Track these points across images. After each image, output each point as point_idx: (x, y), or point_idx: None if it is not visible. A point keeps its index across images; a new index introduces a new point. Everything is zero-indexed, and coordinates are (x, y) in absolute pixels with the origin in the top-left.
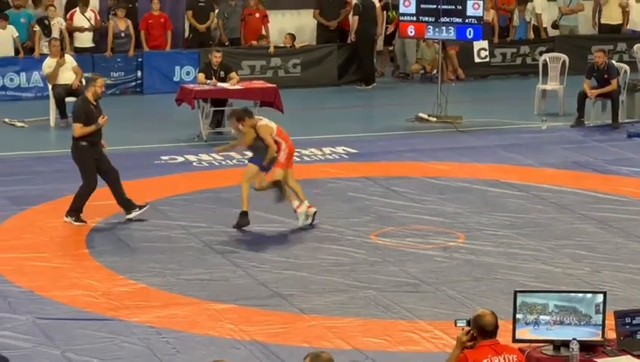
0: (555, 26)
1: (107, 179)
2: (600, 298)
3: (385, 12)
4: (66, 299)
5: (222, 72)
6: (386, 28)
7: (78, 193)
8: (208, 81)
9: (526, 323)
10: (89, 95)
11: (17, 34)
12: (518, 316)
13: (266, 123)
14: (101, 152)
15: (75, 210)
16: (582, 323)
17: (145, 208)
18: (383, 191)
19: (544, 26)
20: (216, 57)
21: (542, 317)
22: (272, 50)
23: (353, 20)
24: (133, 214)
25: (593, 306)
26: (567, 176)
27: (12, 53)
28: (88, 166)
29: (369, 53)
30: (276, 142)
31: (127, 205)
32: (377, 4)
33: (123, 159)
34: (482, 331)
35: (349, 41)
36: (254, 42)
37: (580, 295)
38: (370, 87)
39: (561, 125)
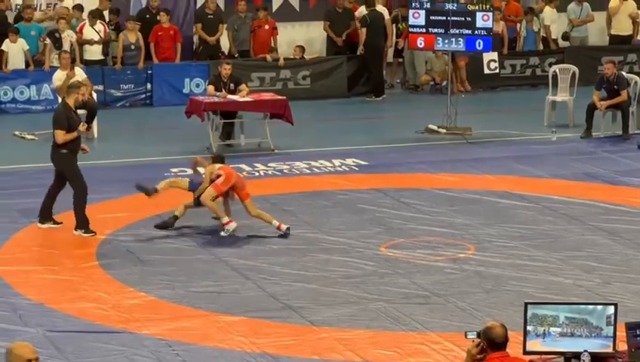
0: (565, 37)
1: (56, 184)
2: (611, 309)
3: (395, 24)
4: (76, 311)
5: (232, 84)
6: (397, 42)
7: (77, 204)
8: (218, 93)
9: (537, 335)
10: (70, 101)
11: (28, 47)
12: (529, 328)
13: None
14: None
15: (82, 222)
16: (593, 334)
17: (59, 225)
18: (393, 203)
19: (553, 37)
20: (225, 69)
21: (552, 328)
22: (281, 62)
23: (361, 32)
24: (45, 226)
25: (604, 318)
26: (577, 188)
27: (23, 66)
28: (75, 171)
29: (378, 64)
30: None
31: (46, 215)
32: (387, 17)
33: (133, 171)
34: (492, 343)
35: (358, 53)
36: (268, 56)
37: (591, 307)
38: (380, 98)
39: (571, 136)
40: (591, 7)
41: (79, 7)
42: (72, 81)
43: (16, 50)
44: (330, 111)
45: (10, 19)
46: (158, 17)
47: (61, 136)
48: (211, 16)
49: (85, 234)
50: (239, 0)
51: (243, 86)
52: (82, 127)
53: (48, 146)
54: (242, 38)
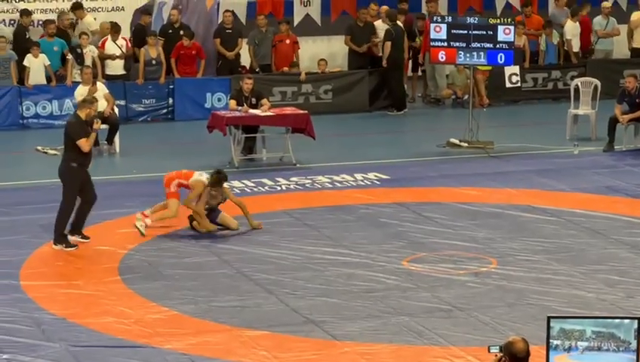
0: (590, 50)
1: (83, 198)
2: (637, 324)
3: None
4: (98, 326)
5: (253, 99)
6: (410, 53)
7: (59, 217)
8: (239, 108)
9: (563, 349)
10: (82, 114)
11: (49, 62)
12: (556, 342)
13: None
14: (88, 174)
15: (61, 235)
16: (620, 349)
17: (87, 240)
18: (415, 217)
19: (574, 50)
20: (247, 84)
21: (579, 343)
22: (303, 77)
23: (386, 46)
24: (58, 247)
25: (632, 332)
26: (599, 201)
27: (44, 81)
28: (74, 187)
29: (399, 78)
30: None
31: (77, 229)
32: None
33: (155, 186)
34: (514, 358)
35: (383, 65)
36: (285, 68)
37: (617, 320)
38: (402, 112)
39: (594, 150)
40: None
41: (115, 26)
42: (87, 97)
43: (37, 66)
44: (352, 126)
45: (34, 36)
46: (181, 32)
47: (85, 143)
48: (229, 31)
49: (67, 249)
50: (259, 14)
51: (265, 101)
52: (97, 124)
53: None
54: (263, 53)
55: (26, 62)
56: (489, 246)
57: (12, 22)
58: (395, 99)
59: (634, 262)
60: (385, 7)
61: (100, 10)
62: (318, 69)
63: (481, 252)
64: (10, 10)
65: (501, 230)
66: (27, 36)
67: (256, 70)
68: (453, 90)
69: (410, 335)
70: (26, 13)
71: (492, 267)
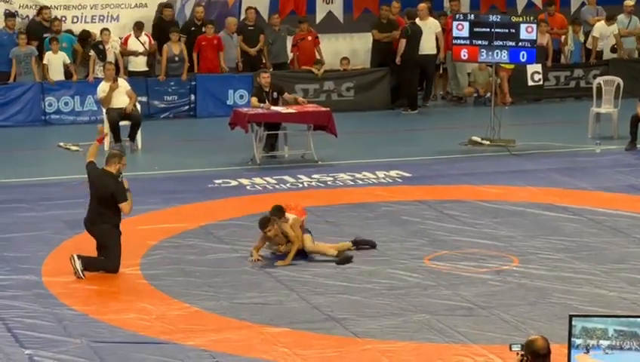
0: (613, 49)
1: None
2: None
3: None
4: (120, 322)
5: (274, 93)
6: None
7: (98, 265)
8: (262, 105)
9: (585, 348)
10: (112, 170)
11: (69, 60)
12: (578, 341)
13: (294, 217)
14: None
15: (87, 265)
16: None
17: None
18: (437, 215)
19: (598, 49)
20: (264, 78)
21: (602, 342)
22: (319, 72)
23: (400, 43)
24: (78, 262)
25: None
26: (621, 200)
27: (62, 77)
28: (118, 250)
29: (412, 77)
30: None
31: (89, 264)
32: (438, 29)
33: (176, 183)
34: (536, 355)
35: (397, 62)
36: (314, 69)
37: None
38: (416, 111)
39: (616, 148)
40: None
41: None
42: (113, 152)
43: (57, 61)
44: (374, 123)
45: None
46: (204, 29)
47: (129, 207)
48: (251, 28)
49: (78, 268)
50: (273, 14)
51: (287, 95)
52: (126, 183)
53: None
54: (277, 52)
55: (45, 60)
56: (510, 245)
57: (27, 17)
58: (409, 98)
59: None
60: (423, 5)
61: (122, 6)
62: (341, 67)
63: (502, 250)
64: (29, 6)
65: (523, 228)
66: (44, 35)
67: (270, 69)
68: (475, 88)
69: (431, 333)
70: (43, 8)
71: (513, 265)
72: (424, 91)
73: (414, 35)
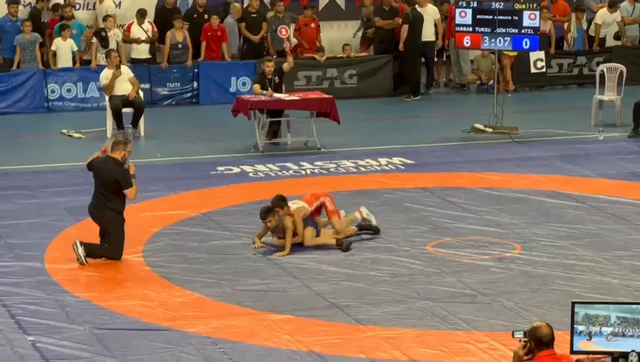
0: (617, 36)
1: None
2: None
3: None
4: (122, 309)
5: (276, 78)
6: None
7: (105, 252)
8: (264, 92)
9: (588, 335)
10: (117, 156)
11: (77, 48)
12: (581, 328)
13: (300, 205)
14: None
15: (90, 252)
16: None
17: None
18: (439, 202)
19: (601, 36)
20: (268, 66)
21: (604, 328)
22: (321, 58)
23: (403, 29)
24: (81, 248)
25: None
26: (624, 187)
27: (71, 65)
28: (122, 237)
29: (415, 64)
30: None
31: (92, 251)
32: (437, 16)
33: (179, 170)
34: (539, 342)
35: (400, 48)
36: (316, 56)
37: None
38: (418, 98)
39: (619, 136)
40: None
41: (142, 12)
42: (118, 139)
43: (66, 49)
44: (377, 110)
45: (46, 19)
46: (206, 16)
47: (134, 192)
48: (254, 15)
49: (80, 254)
50: (278, 2)
51: (284, 65)
52: (132, 169)
53: (96, 145)
54: (280, 38)
55: (53, 47)
56: (513, 232)
57: (29, 4)
58: (411, 84)
59: None
60: None
61: None
62: (343, 54)
63: (505, 237)
64: None
65: (525, 215)
66: (42, 20)
67: (273, 57)
68: (478, 76)
69: (434, 320)
70: None
71: (516, 252)
72: (426, 78)
73: (416, 21)
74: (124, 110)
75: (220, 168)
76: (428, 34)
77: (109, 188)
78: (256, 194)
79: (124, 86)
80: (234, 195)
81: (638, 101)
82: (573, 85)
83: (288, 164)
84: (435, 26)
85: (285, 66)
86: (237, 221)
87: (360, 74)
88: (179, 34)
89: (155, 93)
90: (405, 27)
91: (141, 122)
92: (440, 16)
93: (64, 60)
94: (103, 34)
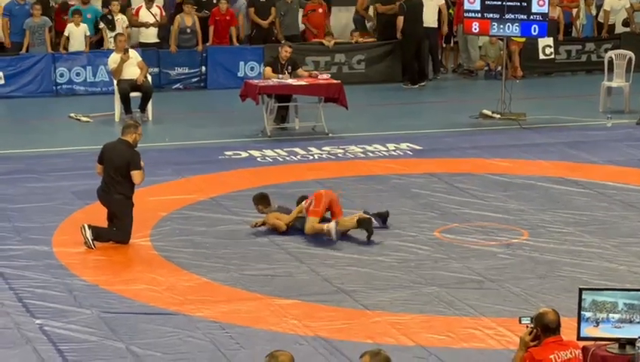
0: (625, 23)
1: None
2: None
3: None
4: (130, 293)
5: (289, 67)
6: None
7: (112, 235)
8: (280, 76)
9: (595, 321)
10: (129, 139)
11: (89, 33)
12: (588, 314)
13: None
14: None
15: (98, 235)
16: None
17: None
18: (447, 188)
19: (610, 22)
20: (286, 52)
21: (611, 315)
22: (329, 43)
23: (398, 20)
24: (89, 232)
25: None
26: (632, 174)
27: (83, 49)
28: (130, 221)
29: (412, 53)
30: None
31: (100, 234)
32: (442, 2)
33: (187, 154)
34: (546, 328)
35: (397, 37)
36: (324, 41)
37: None
38: (417, 86)
39: (627, 122)
40: None
41: None
42: (129, 122)
43: (79, 34)
44: (384, 96)
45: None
46: (215, 1)
47: (141, 176)
48: (263, 0)
49: (88, 238)
50: None
51: (301, 71)
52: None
53: (104, 129)
54: (288, 23)
55: (66, 32)
56: (520, 218)
57: None
58: (409, 73)
59: None
60: None
61: None
62: (351, 39)
63: (512, 223)
64: None
65: (533, 202)
66: (50, 4)
67: (282, 42)
68: (486, 62)
69: (441, 306)
70: None
71: (523, 238)
72: (432, 65)
73: (412, 10)
74: (132, 94)
75: (227, 153)
76: (430, 20)
77: (119, 172)
78: (264, 179)
79: (133, 70)
80: (242, 180)
81: None
82: (582, 72)
83: (296, 149)
84: (440, 12)
85: (300, 72)
86: (245, 206)
87: (368, 59)
88: (188, 19)
89: (164, 77)
90: (400, 18)
91: (149, 106)
92: (445, 1)
93: (78, 45)
94: (110, 17)
